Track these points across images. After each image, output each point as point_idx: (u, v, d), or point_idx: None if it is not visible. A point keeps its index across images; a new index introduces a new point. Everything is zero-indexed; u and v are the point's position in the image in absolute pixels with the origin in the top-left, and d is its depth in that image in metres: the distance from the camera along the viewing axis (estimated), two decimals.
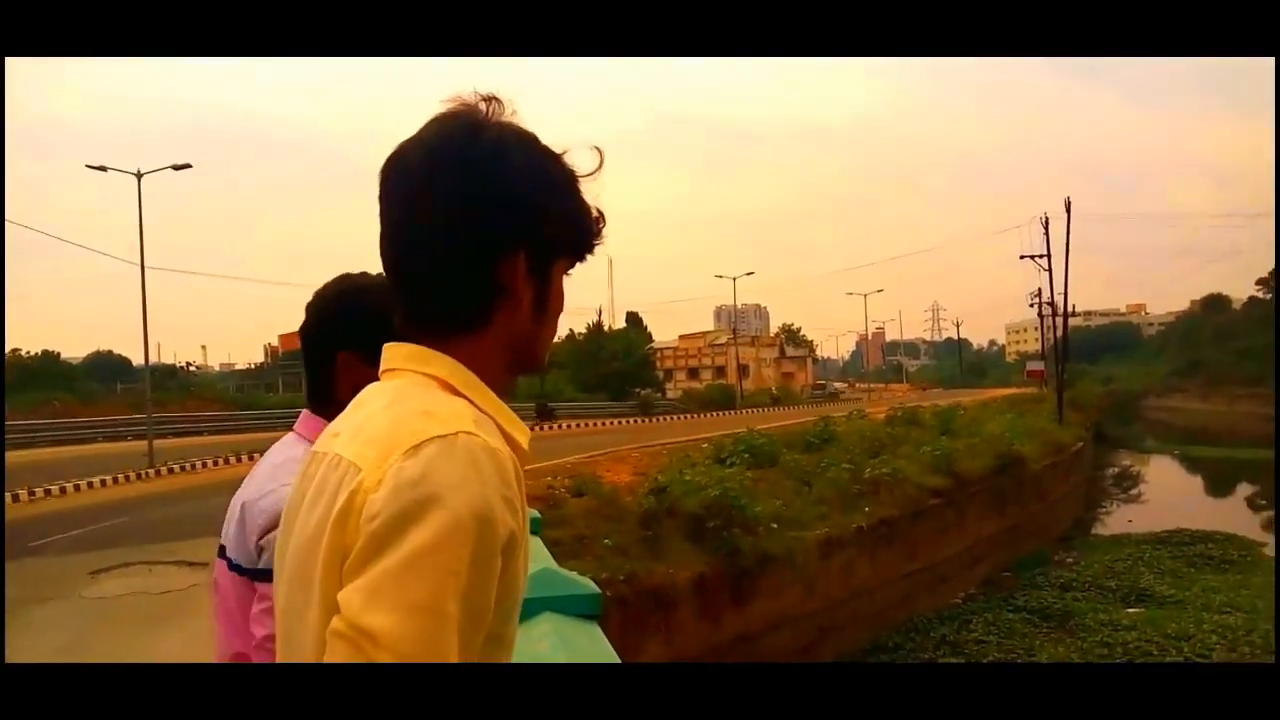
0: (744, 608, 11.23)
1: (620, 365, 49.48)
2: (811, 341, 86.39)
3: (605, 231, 1.03)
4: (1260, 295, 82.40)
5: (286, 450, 1.60)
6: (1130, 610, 15.14)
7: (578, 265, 1.03)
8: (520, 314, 0.96)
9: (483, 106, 0.96)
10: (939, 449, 18.03)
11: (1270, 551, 20.34)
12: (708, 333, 79.04)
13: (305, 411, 1.66)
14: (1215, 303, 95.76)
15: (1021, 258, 38.46)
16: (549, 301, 1.00)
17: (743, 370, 61.12)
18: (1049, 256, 36.30)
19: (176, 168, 21.73)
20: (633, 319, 61.97)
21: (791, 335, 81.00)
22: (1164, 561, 18.75)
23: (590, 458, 16.91)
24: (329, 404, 1.51)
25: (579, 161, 1.00)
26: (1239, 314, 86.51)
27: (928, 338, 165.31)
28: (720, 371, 66.04)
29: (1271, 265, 79.42)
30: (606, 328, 55.81)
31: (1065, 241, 34.49)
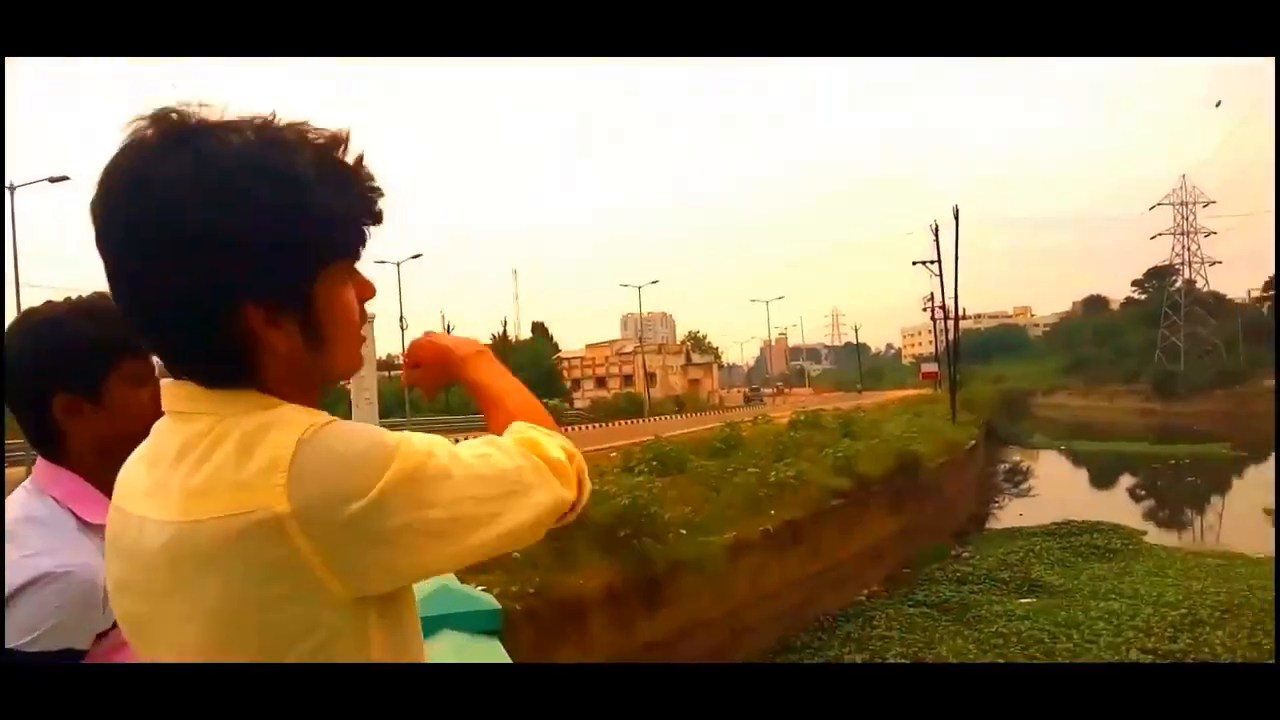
0: (655, 614, 11.30)
1: (526, 376, 48.47)
2: (717, 348, 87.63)
3: (379, 216, 0.89)
4: (1135, 295, 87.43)
5: (25, 508, 1.31)
6: (1023, 600, 15.82)
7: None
8: (284, 354, 0.83)
9: (174, 116, 0.80)
10: (841, 451, 18.49)
11: (1151, 539, 21.59)
12: (614, 341, 79.29)
13: (40, 461, 1.37)
14: (1094, 304, 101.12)
15: (914, 263, 39.87)
16: (322, 325, 0.86)
17: (650, 378, 61.48)
18: (939, 262, 37.73)
19: (53, 180, 20.56)
20: (538, 329, 61.67)
21: (698, 342, 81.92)
22: (1053, 552, 19.68)
23: None
24: (60, 451, 1.34)
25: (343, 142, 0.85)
26: (1116, 314, 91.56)
27: (829, 342, 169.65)
28: (628, 380, 66.26)
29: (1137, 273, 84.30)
30: (512, 339, 55.38)
31: (955, 247, 35.93)
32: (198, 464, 0.79)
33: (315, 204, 0.81)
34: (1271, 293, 74.86)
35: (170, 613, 0.81)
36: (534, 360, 51.42)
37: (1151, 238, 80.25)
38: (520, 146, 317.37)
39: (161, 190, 0.77)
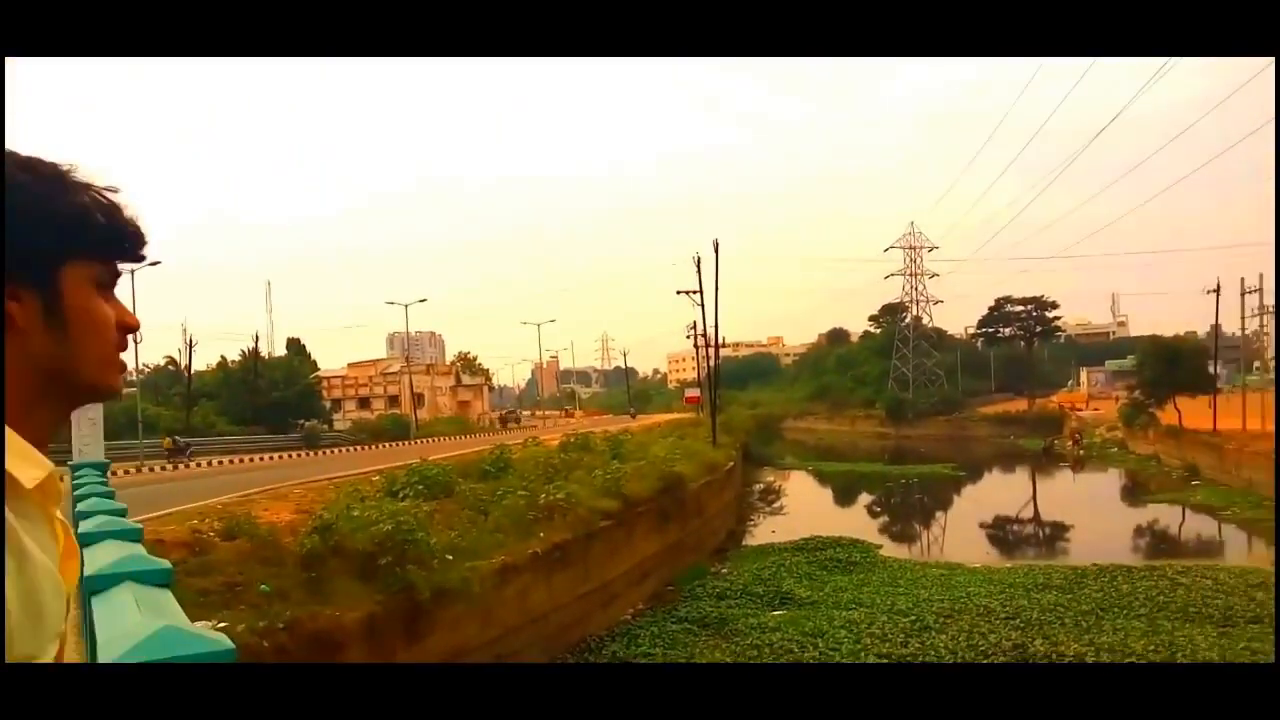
0: (419, 644, 10.81)
1: (281, 395, 46.17)
2: (488, 370, 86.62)
3: (131, 229, 0.99)
4: (871, 329, 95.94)
5: None
6: (775, 613, 16.70)
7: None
8: (21, 328, 0.89)
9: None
10: (609, 473, 18.75)
11: (886, 552, 23.55)
12: (379, 360, 76.32)
13: None
14: (837, 335, 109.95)
15: (678, 293, 41.42)
16: (64, 314, 0.92)
17: (418, 399, 59.68)
18: (701, 292, 39.43)
19: None
20: (294, 345, 58.28)
21: (468, 363, 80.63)
22: (802, 566, 20.98)
23: (246, 496, 15.45)
24: None
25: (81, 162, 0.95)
26: (855, 346, 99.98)
27: (599, 366, 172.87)
28: (394, 401, 64.03)
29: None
30: (265, 354, 51.90)
31: (715, 279, 37.74)
32: None
33: (58, 203, 0.92)
34: (986, 330, 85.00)
35: None
36: (289, 378, 48.37)
37: (885, 277, 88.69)
38: (276, 149, 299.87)
39: None
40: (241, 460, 31.57)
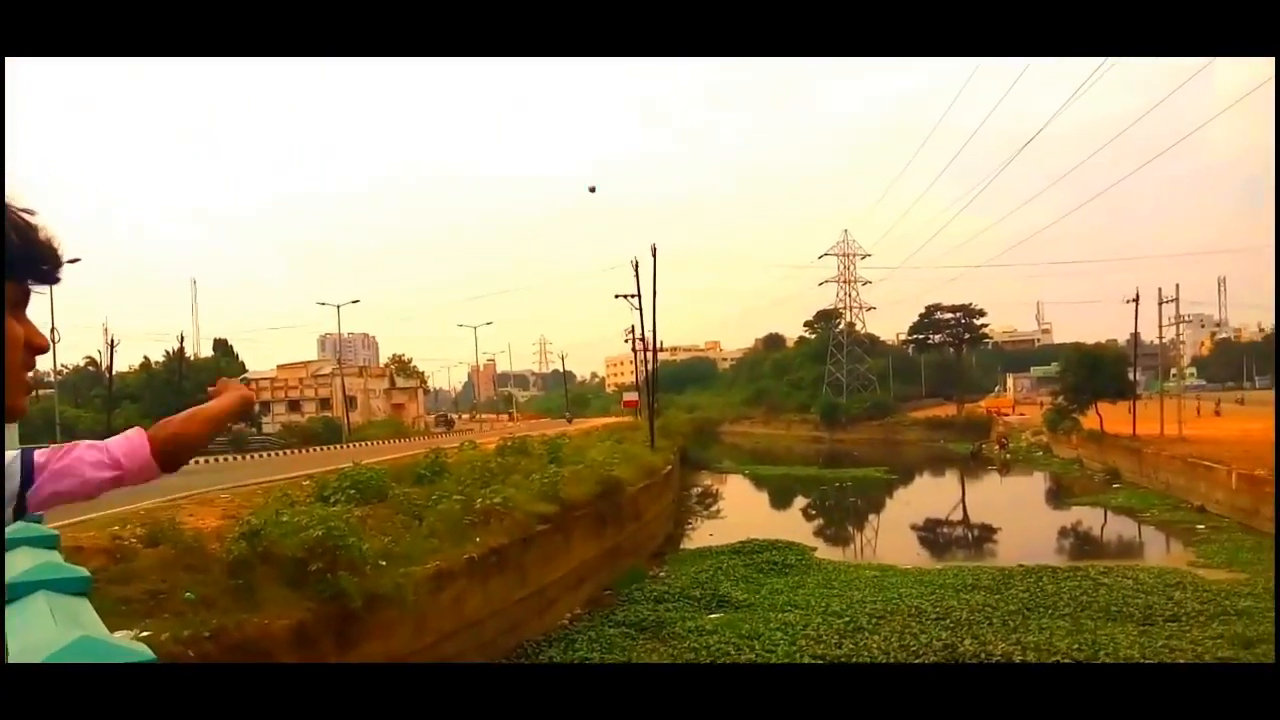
0: (350, 652, 10.56)
1: (206, 398, 44.84)
2: (423, 373, 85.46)
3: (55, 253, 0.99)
4: (806, 335, 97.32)
5: None
6: (712, 615, 16.77)
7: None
8: None
9: None
10: (547, 477, 18.62)
11: (821, 555, 23.85)
12: (310, 362, 74.69)
13: None
14: (773, 341, 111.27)
15: (616, 297, 41.43)
16: None
17: (350, 402, 58.58)
18: (639, 296, 39.51)
19: None
20: (221, 346, 56.76)
21: (402, 366, 79.43)
22: (739, 569, 21.12)
23: (170, 501, 14.94)
24: None
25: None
26: (792, 351, 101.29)
27: (536, 369, 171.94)
28: (325, 404, 62.73)
29: None
30: (190, 355, 50.40)
31: (653, 284, 37.86)
32: None
33: None
34: (917, 336, 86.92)
35: None
36: (216, 380, 47.04)
37: (820, 284, 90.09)
38: (205, 144, 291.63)
39: None
40: None
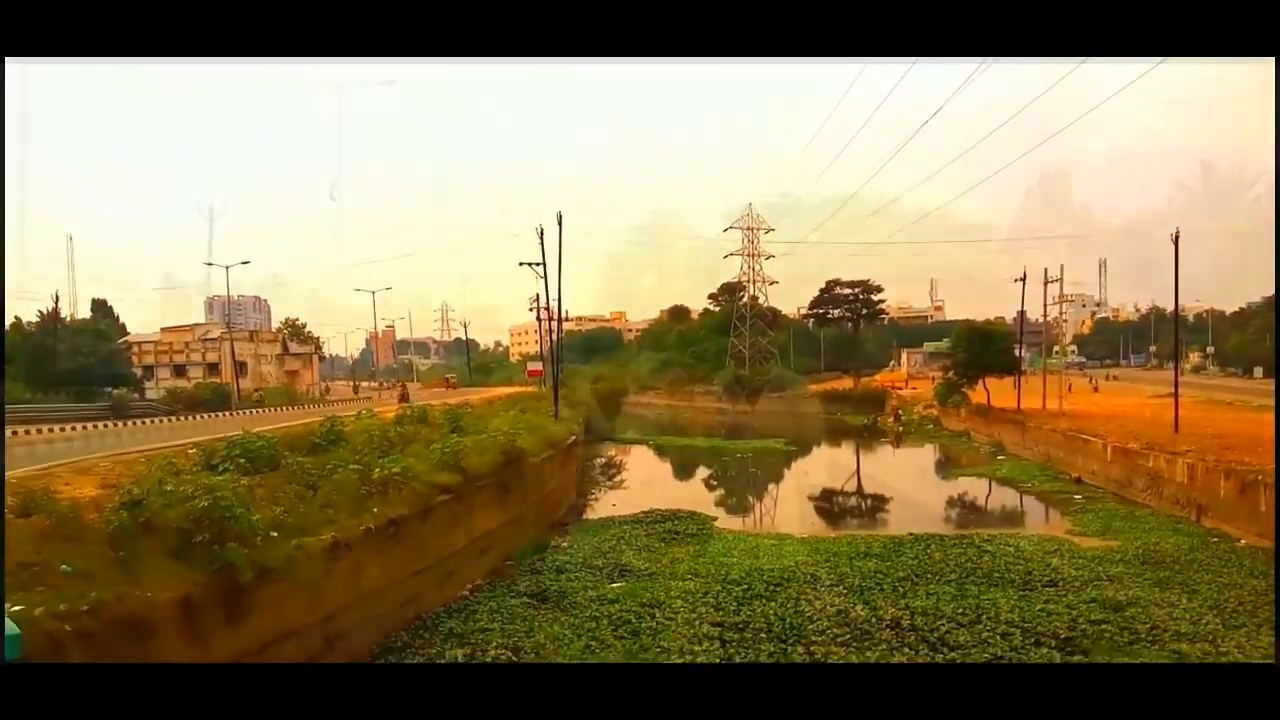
0: (240, 625, 10.19)
1: (85, 361, 42.51)
2: (318, 338, 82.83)
3: None
4: (711, 307, 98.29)
5: None
6: (614, 585, 16.86)
7: None
8: None
9: None
10: (448, 446, 18.30)
11: (721, 524, 24.25)
12: (197, 325, 71.45)
13: None
14: (678, 313, 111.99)
15: (520, 264, 40.80)
16: None
17: (240, 367, 56.37)
18: (544, 264, 39.02)
19: None
20: (100, 307, 53.79)
21: (296, 330, 76.80)
22: (641, 539, 21.31)
23: (45, 470, 14.06)
24: None
25: None
26: (696, 323, 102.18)
27: (438, 337, 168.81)
28: (213, 369, 60.24)
29: None
30: (67, 317, 47.60)
31: (559, 251, 37.44)
32: None
33: None
34: (817, 310, 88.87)
35: None
36: (94, 343, 44.57)
37: (724, 257, 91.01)
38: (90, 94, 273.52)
39: None
40: (40, 431, 28.78)
